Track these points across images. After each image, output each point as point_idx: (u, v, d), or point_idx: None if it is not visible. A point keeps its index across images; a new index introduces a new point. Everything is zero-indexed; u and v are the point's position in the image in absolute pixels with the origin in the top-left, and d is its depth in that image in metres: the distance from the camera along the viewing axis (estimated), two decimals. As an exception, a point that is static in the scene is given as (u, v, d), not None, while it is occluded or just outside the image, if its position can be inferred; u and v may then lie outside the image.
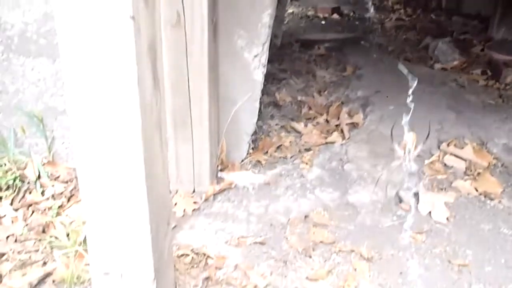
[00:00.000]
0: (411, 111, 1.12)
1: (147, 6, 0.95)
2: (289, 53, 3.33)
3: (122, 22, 0.87)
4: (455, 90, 2.86)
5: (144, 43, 0.94)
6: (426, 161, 2.04)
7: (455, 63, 3.26)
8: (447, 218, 1.70)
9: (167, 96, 1.58)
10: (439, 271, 1.46)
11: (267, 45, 1.80)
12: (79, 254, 1.41)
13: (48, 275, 1.39)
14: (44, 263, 1.45)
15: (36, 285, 1.36)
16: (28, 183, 1.83)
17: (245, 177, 1.81)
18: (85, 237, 1.44)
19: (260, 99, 1.96)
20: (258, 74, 1.82)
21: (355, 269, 1.44)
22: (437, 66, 3.29)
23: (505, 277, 1.44)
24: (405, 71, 1.28)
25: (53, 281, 1.36)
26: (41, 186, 1.82)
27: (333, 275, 1.42)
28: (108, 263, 1.12)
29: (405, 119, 1.13)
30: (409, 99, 1.13)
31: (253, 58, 1.79)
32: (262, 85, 1.87)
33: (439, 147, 2.14)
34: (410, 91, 1.11)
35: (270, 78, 2.82)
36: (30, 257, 1.47)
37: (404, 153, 1.28)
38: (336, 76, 3.00)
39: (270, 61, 2.79)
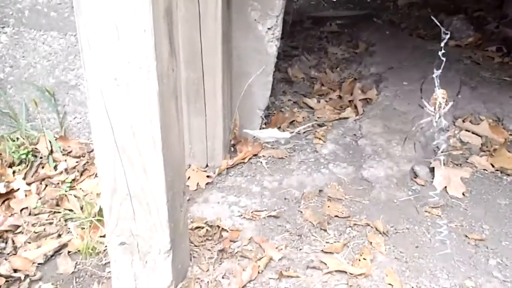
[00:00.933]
0: (443, 64, 1.08)
1: (163, -32, 0.92)
2: (301, 30, 3.28)
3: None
4: (470, 67, 2.80)
5: (161, 7, 0.91)
6: (442, 137, 2.01)
7: (470, 40, 3.20)
8: (463, 193, 1.67)
9: (180, 69, 1.55)
10: (455, 245, 1.44)
11: (281, 17, 1.76)
12: (94, 226, 1.41)
13: (63, 246, 1.39)
14: (59, 235, 1.45)
15: (51, 257, 1.36)
16: (41, 157, 1.83)
17: (269, 133, 1.78)
18: (99, 209, 1.45)
19: (273, 74, 1.93)
20: (272, 47, 1.78)
21: (371, 243, 1.43)
22: (451, 43, 3.23)
23: (523, 251, 1.42)
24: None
25: (69, 252, 1.37)
26: (54, 160, 1.82)
27: (348, 248, 1.40)
28: (124, 233, 1.11)
29: (437, 72, 1.08)
30: (440, 53, 1.09)
31: (266, 30, 1.75)
32: (276, 59, 1.83)
33: (454, 123, 2.11)
34: (442, 44, 1.06)
35: (281, 55, 2.78)
36: (44, 229, 1.48)
37: (435, 108, 1.24)
38: (348, 53, 2.95)
39: (281, 38, 2.76)
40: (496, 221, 1.55)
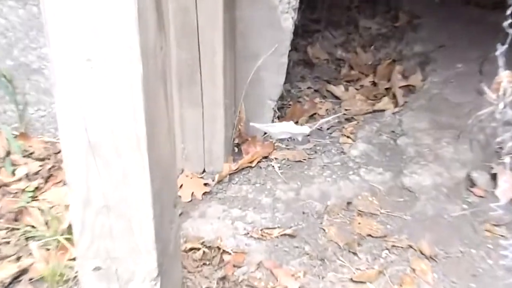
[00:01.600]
0: (509, 39, 1.06)
1: None
2: (325, -1, 3.30)
3: None
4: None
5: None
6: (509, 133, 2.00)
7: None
8: (535, 207, 1.67)
9: (171, 47, 1.56)
10: (524, 274, 1.43)
11: (299, -17, 1.77)
12: (62, 246, 1.43)
13: (23, 272, 1.41)
14: (18, 258, 1.46)
15: (9, 285, 1.37)
16: (-5, 160, 1.86)
17: (282, 128, 1.79)
18: (69, 225, 1.46)
19: (288, 55, 1.94)
20: (287, 20, 1.80)
21: (414, 270, 1.43)
22: (517, 14, 3.22)
23: None
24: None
25: (30, 280, 1.38)
26: (12, 164, 1.84)
27: (385, 277, 1.41)
28: (100, 255, 1.11)
29: (501, 49, 1.07)
30: (507, 22, 1.07)
31: (280, -1, 1.76)
32: (292, 36, 1.84)
33: (523, 116, 2.10)
34: (510, 11, 1.05)
35: (300, 30, 2.80)
36: (1, 250, 1.49)
37: (498, 96, 1.23)
38: (385, 27, 2.98)
39: (299, 8, 2.78)
40: None
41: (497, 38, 2.70)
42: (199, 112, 1.70)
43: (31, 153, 1.91)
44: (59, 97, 0.97)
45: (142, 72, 0.93)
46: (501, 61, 1.08)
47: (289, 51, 2.12)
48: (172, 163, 1.17)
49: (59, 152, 1.92)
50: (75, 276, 1.37)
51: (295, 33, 2.75)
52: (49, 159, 1.89)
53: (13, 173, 1.81)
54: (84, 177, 1.03)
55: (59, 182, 1.76)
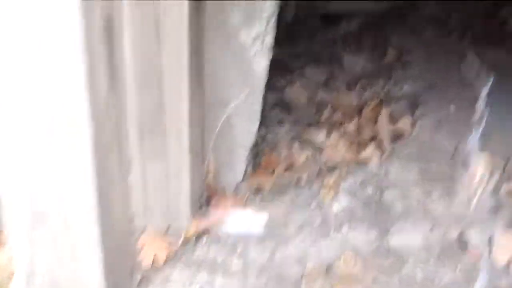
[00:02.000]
0: (484, 120, 1.14)
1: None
2: (306, 31, 3.39)
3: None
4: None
5: (97, 20, 0.97)
6: (506, 187, 2.08)
7: None
8: (539, 272, 1.74)
9: (131, 96, 1.61)
10: None
11: (273, 20, 1.86)
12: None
13: None
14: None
15: None
16: None
17: (239, 219, 1.84)
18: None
19: (264, 98, 2.01)
20: (260, 63, 1.87)
21: None
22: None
23: None
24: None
25: None
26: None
27: None
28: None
29: (475, 134, 1.15)
30: (481, 104, 1.15)
31: (252, 40, 1.84)
32: (266, 78, 1.92)
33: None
34: (484, 92, 1.13)
35: (278, 68, 2.88)
36: None
37: (475, 183, 1.32)
38: (372, 64, 3.07)
39: (278, 43, 2.86)
40: None
41: (492, 76, 2.83)
42: (163, 165, 1.75)
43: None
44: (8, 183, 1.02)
45: (93, 135, 0.98)
46: (476, 147, 1.16)
47: (266, 92, 2.19)
48: (126, 230, 1.22)
49: None
50: None
51: (273, 71, 2.84)
52: None
53: None
54: (27, 249, 1.07)
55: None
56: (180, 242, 1.79)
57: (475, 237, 1.82)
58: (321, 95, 2.67)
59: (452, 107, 2.51)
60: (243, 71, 1.88)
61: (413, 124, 2.40)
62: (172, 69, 1.66)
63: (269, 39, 1.86)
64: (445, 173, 2.10)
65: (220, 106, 1.89)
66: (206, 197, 1.92)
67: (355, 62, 3.05)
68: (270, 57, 1.91)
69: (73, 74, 0.93)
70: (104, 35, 1.01)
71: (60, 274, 1.09)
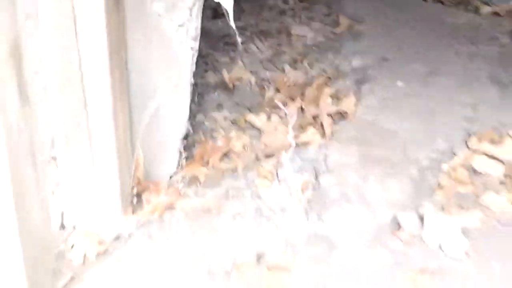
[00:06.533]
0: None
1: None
2: (256, 2, 3.50)
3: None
4: (508, 50, 3.09)
5: (3, 47, 1.11)
6: (445, 167, 2.25)
7: (513, 4, 3.50)
8: (466, 252, 1.92)
9: (52, 95, 1.73)
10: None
11: (197, 8, 1.98)
12: None
13: None
14: None
15: None
16: None
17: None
18: None
19: (197, 83, 2.15)
20: (186, 52, 2.00)
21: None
22: (486, 10, 3.50)
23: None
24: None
25: None
26: None
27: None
28: None
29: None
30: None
31: (176, 28, 1.96)
32: (194, 67, 2.05)
33: (467, 145, 2.37)
34: None
35: (220, 43, 3.00)
36: None
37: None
38: (323, 35, 3.22)
39: (217, 15, 2.97)
40: (508, 290, 1.79)
41: (452, 46, 2.98)
42: (89, 163, 1.88)
43: None
44: None
45: (7, 153, 1.13)
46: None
47: (206, 72, 2.32)
48: (47, 234, 1.37)
49: None
50: None
51: (214, 47, 2.96)
52: None
53: None
54: None
55: None
56: (111, 239, 1.94)
57: (407, 220, 2.00)
58: (265, 74, 2.80)
59: (399, 83, 2.67)
60: (168, 61, 2.00)
61: (357, 104, 2.54)
62: (91, 65, 1.77)
63: (193, 27, 1.98)
64: (385, 157, 2.27)
65: (147, 98, 2.02)
66: (137, 192, 2.05)
67: (304, 33, 3.19)
68: (196, 45, 2.03)
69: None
70: (12, 58, 1.14)
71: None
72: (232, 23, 1.57)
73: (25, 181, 1.25)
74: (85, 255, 1.89)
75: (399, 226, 2.00)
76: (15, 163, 1.19)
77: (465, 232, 1.97)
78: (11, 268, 1.27)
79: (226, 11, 1.59)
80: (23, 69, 1.19)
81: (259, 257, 1.88)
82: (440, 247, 1.93)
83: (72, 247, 1.92)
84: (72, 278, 1.80)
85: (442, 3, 3.66)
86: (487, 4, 3.60)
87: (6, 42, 1.12)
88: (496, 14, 3.51)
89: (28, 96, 1.22)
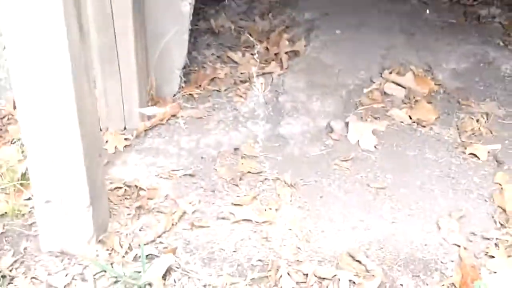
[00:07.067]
0: None
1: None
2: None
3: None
4: (415, 8, 3.47)
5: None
6: (365, 90, 2.68)
7: (421, -27, 3.84)
8: (375, 146, 2.35)
9: (93, 35, 2.12)
10: (357, 194, 2.13)
11: (194, -24, 2.34)
12: (18, 190, 2.01)
13: (-12, 211, 1.99)
14: (-18, 202, 2.04)
15: (-22, 220, 1.96)
16: None
17: (151, 110, 2.41)
18: (21, 174, 2.05)
19: (192, 29, 2.53)
20: (185, 6, 2.38)
21: (278, 195, 2.09)
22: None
23: (416, 197, 2.11)
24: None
25: (-5, 216, 1.97)
26: (-36, 129, 2.38)
27: (257, 201, 2.06)
28: (49, 192, 1.73)
29: None
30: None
31: (179, -9, 2.33)
32: (191, 17, 2.42)
33: (381, 75, 2.78)
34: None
35: (209, 1, 3.36)
36: (-33, 197, 2.06)
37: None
38: None
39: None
40: (401, 171, 2.24)
41: (376, 5, 3.34)
42: (118, 84, 2.27)
43: (-20, 121, 2.45)
44: (16, 91, 1.56)
45: (71, 69, 1.53)
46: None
47: (198, 21, 2.67)
48: (96, 128, 1.78)
49: (3, 117, 2.47)
50: (30, 211, 1.96)
51: (204, 2, 3.31)
52: None
53: (-34, 137, 2.36)
54: (37, 140, 1.63)
55: (7, 142, 2.30)
56: (133, 137, 2.35)
57: (337, 125, 2.42)
58: (241, 23, 3.17)
59: (337, 31, 3.05)
60: (174, 13, 2.38)
61: (306, 45, 2.93)
62: (120, 15, 2.15)
63: (192, -10, 2.37)
64: (324, 83, 2.67)
65: (158, 38, 2.40)
66: (150, 104, 2.45)
67: (270, -7, 3.55)
68: (193, 1, 2.41)
69: (58, 33, 1.46)
70: (74, 7, 1.52)
71: (57, 155, 1.65)
72: None
73: (83, 90, 1.62)
74: (116, 147, 2.31)
75: (331, 129, 2.40)
76: (77, 78, 1.55)
77: (375, 133, 2.39)
78: (74, 152, 1.66)
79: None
80: (81, 15, 1.55)
81: (235, 149, 2.30)
82: (358, 143, 2.35)
83: (106, 142, 2.34)
84: (108, 162, 2.22)
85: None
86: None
87: None
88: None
89: (83, 32, 1.59)
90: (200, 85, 2.63)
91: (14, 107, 2.49)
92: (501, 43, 3.16)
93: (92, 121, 1.72)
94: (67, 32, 1.48)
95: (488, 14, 3.47)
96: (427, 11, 3.28)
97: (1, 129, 2.40)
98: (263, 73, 2.74)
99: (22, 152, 2.18)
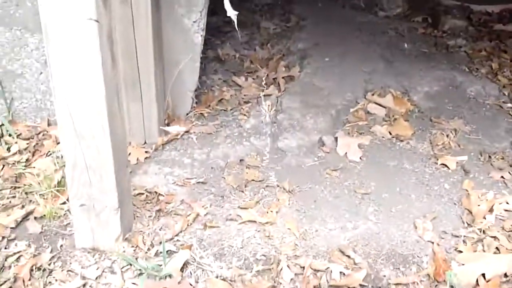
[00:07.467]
0: None
1: (105, 7, 1.56)
2: (235, 3, 3.91)
3: (87, 24, 1.49)
4: (393, 39, 3.57)
5: (104, 36, 1.56)
6: (351, 109, 2.76)
7: (398, 10, 3.95)
8: (360, 158, 2.41)
9: (120, 66, 2.19)
10: (345, 198, 2.19)
11: (204, 11, 2.42)
12: (54, 195, 2.07)
13: (29, 213, 2.03)
14: (23, 206, 2.08)
15: (20, 222, 2.00)
16: (-9, 141, 2.44)
17: (174, 128, 2.49)
18: (57, 182, 2.11)
19: (202, 57, 2.60)
20: (198, 38, 2.45)
21: (278, 199, 2.15)
22: (381, 14, 3.97)
23: (397, 201, 2.18)
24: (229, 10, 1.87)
25: (35, 218, 2.02)
26: (6, 143, 2.43)
27: (260, 204, 2.12)
28: (83, 197, 1.78)
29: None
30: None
31: (192, 23, 2.40)
32: (202, 47, 2.50)
33: (365, 96, 2.86)
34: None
35: (215, 32, 3.44)
36: (10, 201, 2.11)
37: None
38: (280, 28, 3.64)
39: (214, 13, 3.38)
40: (382, 179, 2.30)
41: (359, 36, 3.42)
42: (139, 105, 2.34)
43: (19, 135, 2.49)
44: (58, 107, 1.62)
45: (105, 94, 1.59)
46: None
47: (206, 50, 2.73)
48: (124, 140, 1.83)
49: (39, 133, 2.52)
50: (65, 213, 2.02)
51: (212, 34, 3.39)
52: (33, 138, 2.47)
53: (8, 149, 2.41)
54: (73, 151, 1.69)
55: (43, 155, 2.36)
56: (152, 150, 2.41)
57: (328, 140, 2.48)
58: (243, 52, 3.26)
59: (326, 59, 3.13)
60: (187, 43, 2.45)
61: (300, 71, 3.00)
62: (142, 45, 2.22)
63: (202, 23, 2.43)
64: (316, 103, 2.74)
65: (174, 65, 2.47)
66: (167, 122, 2.52)
67: (268, 26, 3.63)
68: (203, 33, 2.48)
69: (95, 68, 1.53)
70: (108, 42, 1.59)
71: (91, 163, 1.71)
72: (236, 24, 1.82)
73: (114, 110, 1.69)
74: (137, 159, 2.37)
75: (323, 143, 2.46)
76: (109, 99, 1.63)
77: (360, 146, 2.46)
78: (106, 162, 1.72)
79: (231, 19, 1.87)
80: (113, 48, 1.62)
81: (241, 160, 2.36)
82: (346, 155, 2.41)
83: (129, 154, 2.39)
84: (131, 172, 2.28)
85: (356, 9, 4.11)
86: (382, 10, 4.06)
87: (106, 33, 1.57)
88: (387, 17, 3.98)
89: (115, 62, 1.65)
90: (209, 105, 2.70)
91: (49, 124, 2.56)
92: (467, 69, 3.25)
93: (120, 136, 1.78)
94: (102, 62, 1.55)
95: (455, 44, 3.58)
96: (405, 45, 3.36)
97: (37, 143, 2.45)
98: (264, 95, 2.81)
99: (57, 163, 2.24)
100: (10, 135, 2.47)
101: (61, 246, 1.91)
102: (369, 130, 2.62)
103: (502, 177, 2.32)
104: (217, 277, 1.80)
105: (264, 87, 2.88)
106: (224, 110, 2.71)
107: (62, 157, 2.18)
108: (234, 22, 1.81)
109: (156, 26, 2.27)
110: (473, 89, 3.01)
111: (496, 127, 2.70)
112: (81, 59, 1.54)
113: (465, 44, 3.57)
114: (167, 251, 1.85)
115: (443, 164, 2.39)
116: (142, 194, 2.15)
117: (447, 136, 2.58)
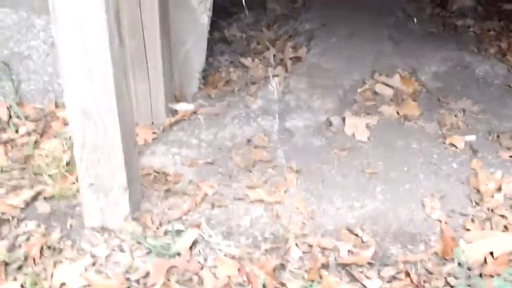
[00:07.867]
0: None
1: (111, -15, 1.55)
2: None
3: (94, 2, 1.49)
4: (401, 20, 3.52)
5: (112, 15, 1.56)
6: (359, 90, 2.74)
7: (405, -11, 3.90)
8: (368, 137, 2.41)
9: (127, 45, 2.18)
10: (353, 178, 2.19)
11: (212, -10, 2.41)
12: (63, 176, 2.08)
13: (38, 194, 2.04)
14: (32, 186, 2.10)
15: (30, 202, 2.02)
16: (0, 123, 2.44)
17: (182, 106, 2.49)
18: (66, 162, 2.12)
19: (208, 38, 2.58)
20: (204, 18, 2.43)
21: (286, 179, 2.15)
22: (388, -7, 3.92)
23: (405, 180, 2.18)
24: None
25: (44, 198, 2.03)
26: (14, 125, 2.44)
27: (268, 184, 2.13)
28: (93, 176, 1.79)
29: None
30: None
31: (199, 4, 2.38)
32: (209, 27, 2.48)
33: (372, 77, 2.84)
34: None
35: (221, 13, 3.42)
36: (19, 182, 2.12)
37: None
38: (287, 9, 3.60)
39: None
40: (390, 159, 2.30)
41: (365, 17, 3.39)
42: (147, 86, 2.33)
43: (27, 117, 2.50)
44: (66, 89, 1.62)
45: (113, 72, 1.59)
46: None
47: (212, 32, 2.71)
48: (132, 121, 1.84)
49: (47, 115, 2.53)
50: (73, 194, 2.03)
51: (218, 15, 3.37)
52: (41, 120, 2.48)
53: (16, 131, 2.42)
54: (81, 131, 1.70)
55: (51, 136, 2.37)
56: (160, 130, 2.41)
57: (335, 120, 2.48)
58: (250, 32, 3.24)
59: (333, 39, 3.11)
60: (194, 23, 2.43)
61: (307, 52, 2.98)
62: (149, 26, 2.21)
63: (209, 3, 2.41)
64: (323, 84, 2.72)
65: (181, 46, 2.46)
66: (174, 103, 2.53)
67: (275, 8, 3.60)
68: (210, 14, 2.46)
69: (102, 47, 1.53)
70: (116, 20, 1.59)
71: (99, 143, 1.71)
72: (244, 2, 1.74)
73: (122, 90, 1.68)
74: (145, 139, 2.37)
75: (330, 124, 2.45)
76: (117, 76, 1.62)
77: (367, 126, 2.45)
78: (114, 142, 1.72)
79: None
80: (120, 27, 1.62)
81: (248, 141, 2.36)
82: (353, 135, 2.41)
83: (137, 135, 2.39)
84: (139, 152, 2.27)
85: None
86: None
87: (113, 11, 1.56)
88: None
89: (123, 40, 1.65)
90: (216, 86, 2.69)
91: (56, 106, 2.56)
92: (475, 50, 3.21)
93: (128, 116, 1.78)
94: (110, 42, 1.55)
95: (463, 24, 3.54)
96: (414, 21, 3.32)
97: (45, 125, 2.46)
98: (272, 76, 2.79)
99: (65, 144, 2.25)
100: (18, 117, 2.47)
101: (71, 225, 1.92)
102: (376, 110, 2.61)
103: (510, 156, 2.30)
104: (225, 255, 1.80)
105: (271, 67, 2.86)
106: (231, 91, 2.70)
107: (70, 138, 2.18)
108: (242, 0, 1.69)
109: (163, 6, 2.26)
110: (482, 69, 2.98)
111: (505, 106, 2.68)
112: (89, 38, 1.53)
113: (474, 24, 3.53)
114: (175, 230, 1.86)
115: (451, 144, 2.38)
116: (150, 174, 2.15)
117: (455, 116, 2.57)
